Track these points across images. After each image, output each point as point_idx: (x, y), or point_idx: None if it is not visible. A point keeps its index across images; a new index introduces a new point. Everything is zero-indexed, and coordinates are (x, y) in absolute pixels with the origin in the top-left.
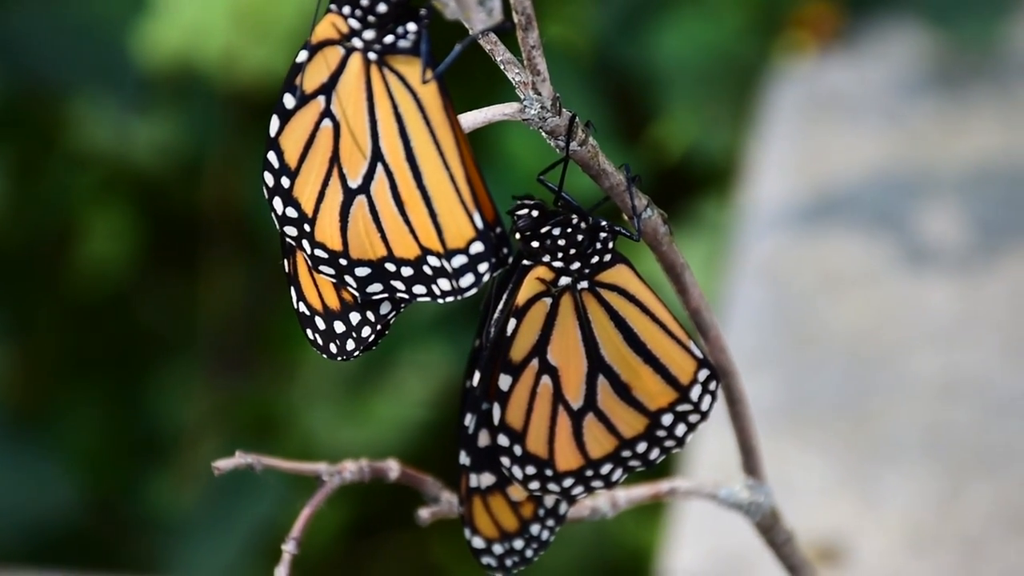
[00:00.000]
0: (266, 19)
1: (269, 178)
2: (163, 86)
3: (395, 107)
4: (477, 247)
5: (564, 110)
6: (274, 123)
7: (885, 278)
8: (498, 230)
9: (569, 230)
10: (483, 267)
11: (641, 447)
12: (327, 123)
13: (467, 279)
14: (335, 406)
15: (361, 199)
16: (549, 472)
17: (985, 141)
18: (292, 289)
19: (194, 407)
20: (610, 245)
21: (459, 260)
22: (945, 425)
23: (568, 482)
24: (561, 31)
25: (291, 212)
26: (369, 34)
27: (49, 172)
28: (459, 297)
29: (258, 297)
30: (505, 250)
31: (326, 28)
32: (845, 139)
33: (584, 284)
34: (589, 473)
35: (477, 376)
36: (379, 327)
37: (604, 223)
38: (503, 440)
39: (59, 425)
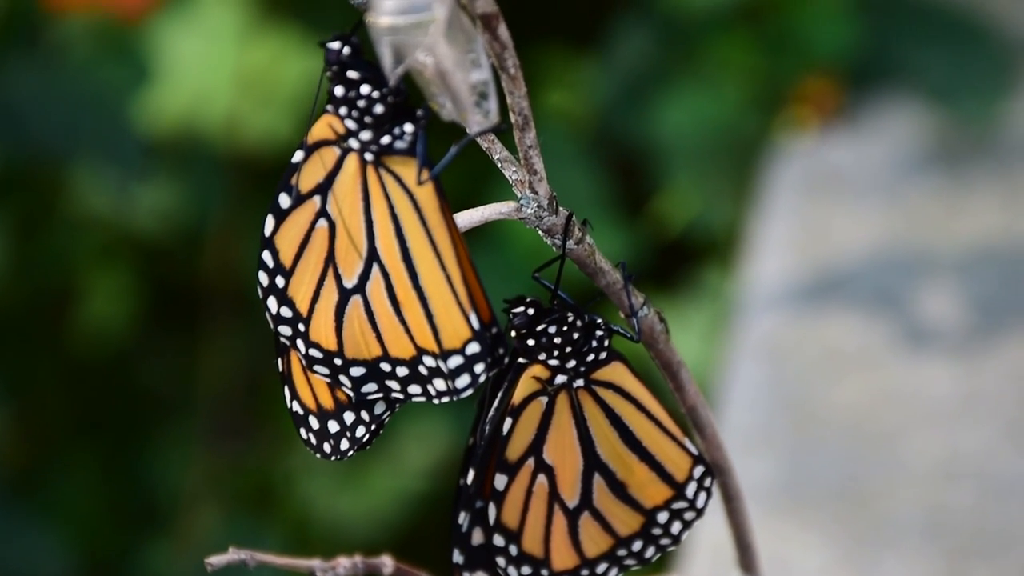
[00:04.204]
0: (269, 85)
1: (264, 277)
2: (166, 152)
3: (391, 207)
4: (473, 347)
5: (561, 208)
6: (269, 222)
7: (885, 358)
8: (494, 330)
9: (565, 328)
10: (479, 367)
11: (637, 545)
12: (323, 223)
13: (463, 380)
14: (334, 475)
15: (357, 299)
16: (545, 572)
17: (985, 220)
18: (286, 388)
19: (192, 473)
20: (606, 343)
21: (455, 361)
22: (945, 508)
23: None
24: (564, 101)
25: (286, 312)
26: (366, 135)
27: (50, 234)
28: (455, 398)
29: (257, 364)
30: (501, 350)
31: (322, 128)
32: (845, 217)
33: (580, 382)
34: (585, 572)
35: (471, 474)
36: (373, 426)
37: (599, 320)
38: (499, 540)
39: (55, 488)
